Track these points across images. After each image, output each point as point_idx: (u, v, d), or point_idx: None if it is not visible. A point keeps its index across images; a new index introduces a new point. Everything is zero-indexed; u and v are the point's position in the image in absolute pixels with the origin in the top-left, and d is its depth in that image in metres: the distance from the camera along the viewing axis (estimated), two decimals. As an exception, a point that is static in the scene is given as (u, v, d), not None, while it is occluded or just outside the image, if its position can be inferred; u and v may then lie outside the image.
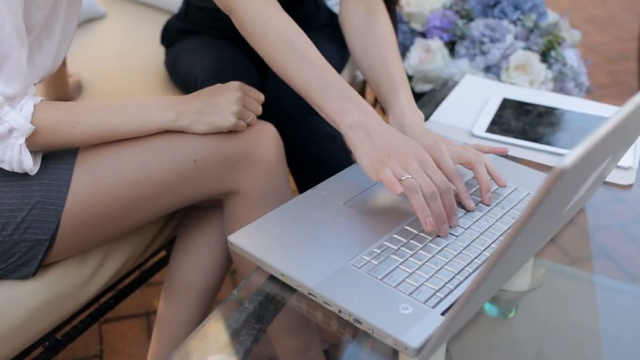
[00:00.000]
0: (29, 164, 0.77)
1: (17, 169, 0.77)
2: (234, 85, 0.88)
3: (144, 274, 1.14)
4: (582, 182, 0.57)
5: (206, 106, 0.85)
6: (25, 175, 0.79)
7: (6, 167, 0.77)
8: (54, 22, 0.82)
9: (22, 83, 0.75)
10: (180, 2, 1.36)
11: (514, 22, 1.44)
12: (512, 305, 0.73)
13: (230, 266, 1.04)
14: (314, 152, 1.10)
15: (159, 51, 1.43)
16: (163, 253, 1.15)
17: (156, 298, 1.46)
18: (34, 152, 0.78)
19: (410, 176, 0.73)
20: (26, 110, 0.75)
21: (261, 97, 0.90)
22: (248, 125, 0.89)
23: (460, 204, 0.79)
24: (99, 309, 1.05)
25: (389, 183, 0.73)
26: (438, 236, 0.74)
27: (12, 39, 0.72)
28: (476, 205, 0.80)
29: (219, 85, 0.89)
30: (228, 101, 0.85)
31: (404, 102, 0.89)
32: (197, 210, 1.01)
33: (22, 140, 0.76)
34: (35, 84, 0.80)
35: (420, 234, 0.74)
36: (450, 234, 0.75)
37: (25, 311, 0.83)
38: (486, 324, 0.70)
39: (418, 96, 1.26)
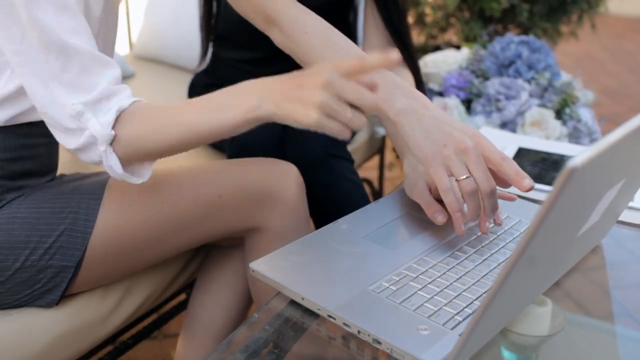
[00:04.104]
0: (119, 169, 0.76)
1: (116, 176, 0.77)
2: (323, 66, 0.68)
3: (163, 316, 1.14)
4: (595, 200, 0.59)
5: (290, 90, 0.69)
6: (55, 202, 0.82)
7: (110, 173, 0.77)
8: None
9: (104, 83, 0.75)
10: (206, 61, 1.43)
11: (528, 81, 1.48)
12: (532, 353, 0.73)
13: (250, 306, 1.04)
14: (334, 196, 1.12)
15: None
16: (183, 296, 1.16)
17: (173, 349, 1.45)
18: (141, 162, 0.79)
19: (469, 175, 0.73)
20: (109, 116, 0.74)
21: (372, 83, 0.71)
22: (349, 126, 0.67)
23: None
24: (117, 347, 1.05)
25: (454, 218, 0.75)
26: (455, 266, 0.75)
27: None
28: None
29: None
30: (314, 85, 0.66)
31: None
32: (218, 250, 1.03)
33: (104, 147, 0.75)
34: None
35: (439, 263, 0.75)
36: (469, 262, 0.76)
37: (46, 340, 0.84)
38: (506, 371, 0.70)
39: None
